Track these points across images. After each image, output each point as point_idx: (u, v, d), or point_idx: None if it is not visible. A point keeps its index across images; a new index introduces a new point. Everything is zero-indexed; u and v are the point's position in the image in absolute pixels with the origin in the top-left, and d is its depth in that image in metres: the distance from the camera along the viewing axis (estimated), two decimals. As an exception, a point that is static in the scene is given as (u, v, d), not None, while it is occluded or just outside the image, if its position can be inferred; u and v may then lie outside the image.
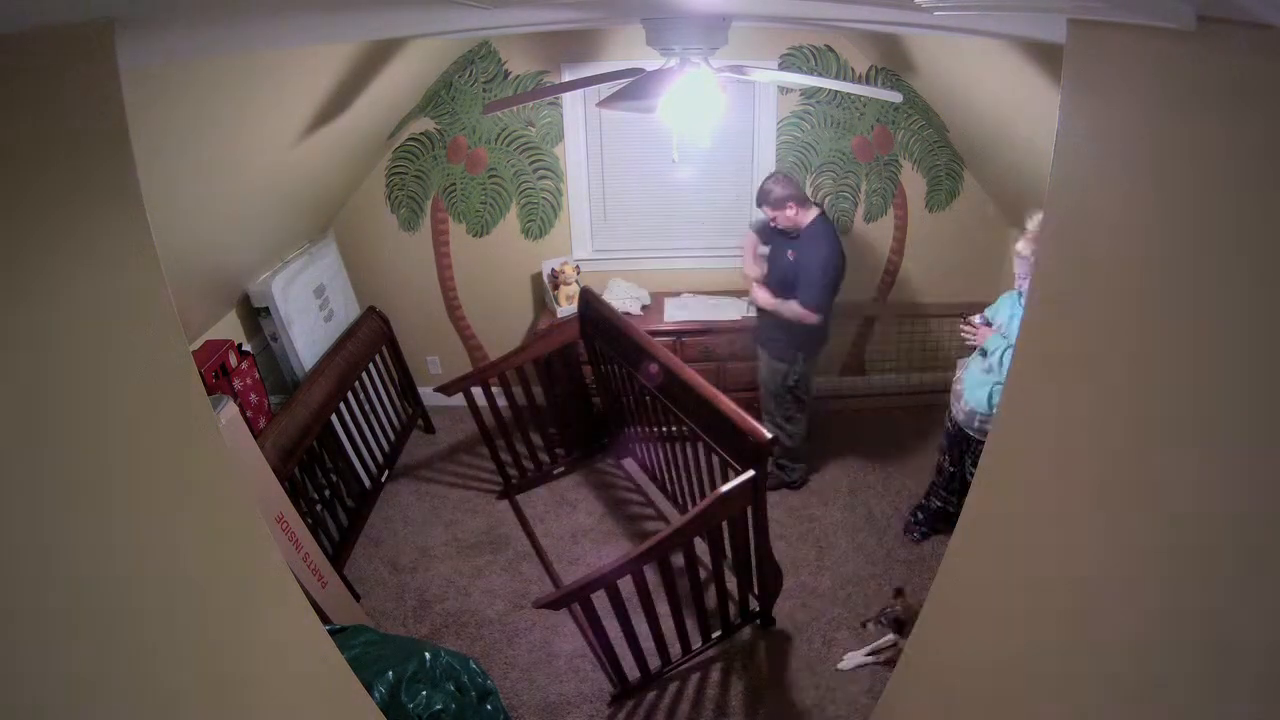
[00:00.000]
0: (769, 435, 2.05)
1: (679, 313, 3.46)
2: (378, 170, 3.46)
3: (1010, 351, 2.30)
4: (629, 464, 3.41)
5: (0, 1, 0.61)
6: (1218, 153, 0.67)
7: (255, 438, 2.24)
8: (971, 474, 2.44)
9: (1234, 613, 0.63)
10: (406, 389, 3.76)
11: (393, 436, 3.52)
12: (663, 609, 2.22)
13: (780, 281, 2.86)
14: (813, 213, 2.81)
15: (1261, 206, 0.61)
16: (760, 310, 2.95)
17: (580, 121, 3.37)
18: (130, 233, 0.87)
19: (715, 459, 2.38)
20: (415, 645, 1.97)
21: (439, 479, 3.44)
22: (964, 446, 2.55)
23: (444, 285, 3.76)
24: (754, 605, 2.49)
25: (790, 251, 2.83)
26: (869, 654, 2.37)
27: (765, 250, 3.04)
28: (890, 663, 2.27)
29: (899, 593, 2.38)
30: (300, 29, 1.38)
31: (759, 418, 2.29)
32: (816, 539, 2.96)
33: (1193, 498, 0.69)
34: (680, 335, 3.21)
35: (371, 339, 3.46)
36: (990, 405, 2.31)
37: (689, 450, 2.65)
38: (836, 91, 3.29)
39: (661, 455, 2.95)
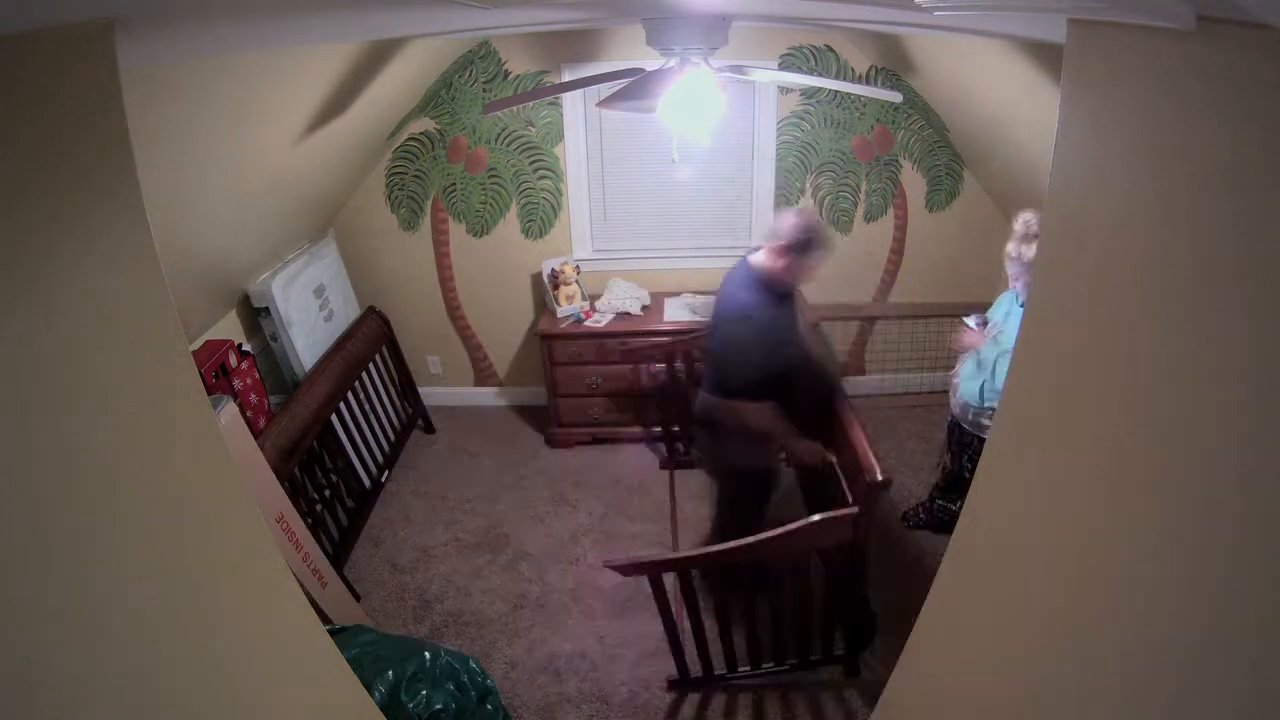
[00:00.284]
0: (880, 477, 1.90)
1: (679, 313, 3.46)
2: (378, 170, 3.46)
3: (1006, 358, 2.31)
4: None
5: (0, 2, 0.61)
6: (1218, 152, 0.67)
7: (255, 438, 2.24)
8: (968, 471, 2.44)
9: (1234, 613, 0.63)
10: (406, 388, 3.76)
11: (393, 436, 3.52)
12: (739, 618, 2.17)
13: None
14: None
15: (1262, 206, 0.61)
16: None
17: (580, 121, 3.38)
18: (130, 233, 0.87)
19: (835, 485, 2.26)
20: (415, 645, 1.97)
21: (439, 479, 3.44)
22: (962, 443, 2.55)
23: (444, 285, 3.76)
24: (839, 648, 2.33)
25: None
26: None
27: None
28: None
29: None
30: (300, 29, 1.38)
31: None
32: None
33: (1193, 498, 0.69)
34: (680, 335, 3.21)
35: (372, 339, 3.46)
36: (982, 399, 2.31)
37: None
38: (836, 91, 3.29)
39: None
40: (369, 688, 1.42)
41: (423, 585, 2.79)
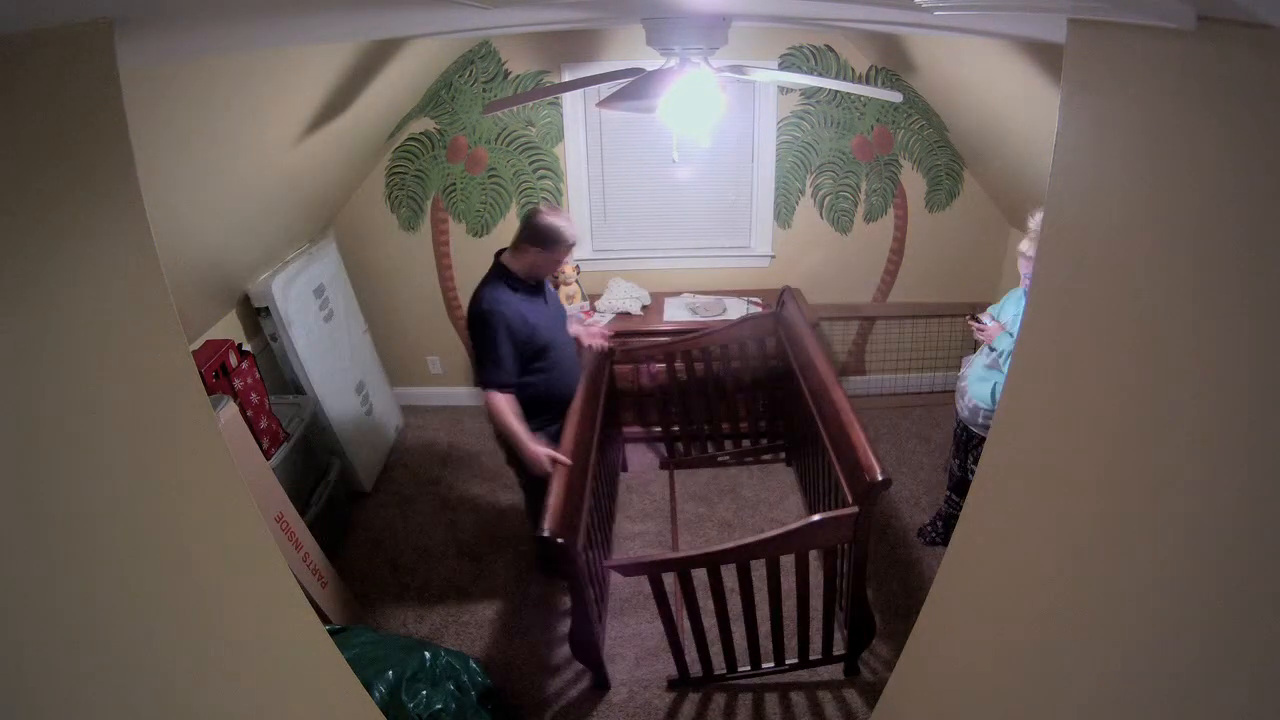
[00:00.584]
0: (880, 477, 1.89)
1: (679, 313, 3.46)
2: (378, 170, 3.46)
3: (989, 385, 2.32)
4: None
5: (0, 2, 0.61)
6: (1218, 152, 0.67)
7: (255, 438, 2.24)
8: (973, 474, 2.44)
9: (1235, 612, 0.63)
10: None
11: (393, 436, 3.52)
12: (738, 618, 2.15)
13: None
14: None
15: (1262, 206, 0.61)
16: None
17: (580, 121, 3.38)
18: (130, 233, 0.87)
19: (835, 485, 2.25)
20: (415, 645, 1.97)
21: (439, 478, 3.44)
22: (968, 446, 2.55)
23: (444, 285, 3.76)
24: (839, 648, 2.33)
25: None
26: None
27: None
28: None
29: None
30: (300, 29, 1.38)
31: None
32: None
33: (1194, 498, 0.69)
34: (680, 335, 3.21)
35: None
36: (993, 401, 2.31)
37: (819, 464, 2.53)
38: (836, 91, 3.29)
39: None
40: (369, 688, 1.42)
41: (423, 585, 2.79)
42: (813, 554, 2.12)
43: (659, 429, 3.44)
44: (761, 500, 3.19)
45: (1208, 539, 0.67)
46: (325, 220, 3.43)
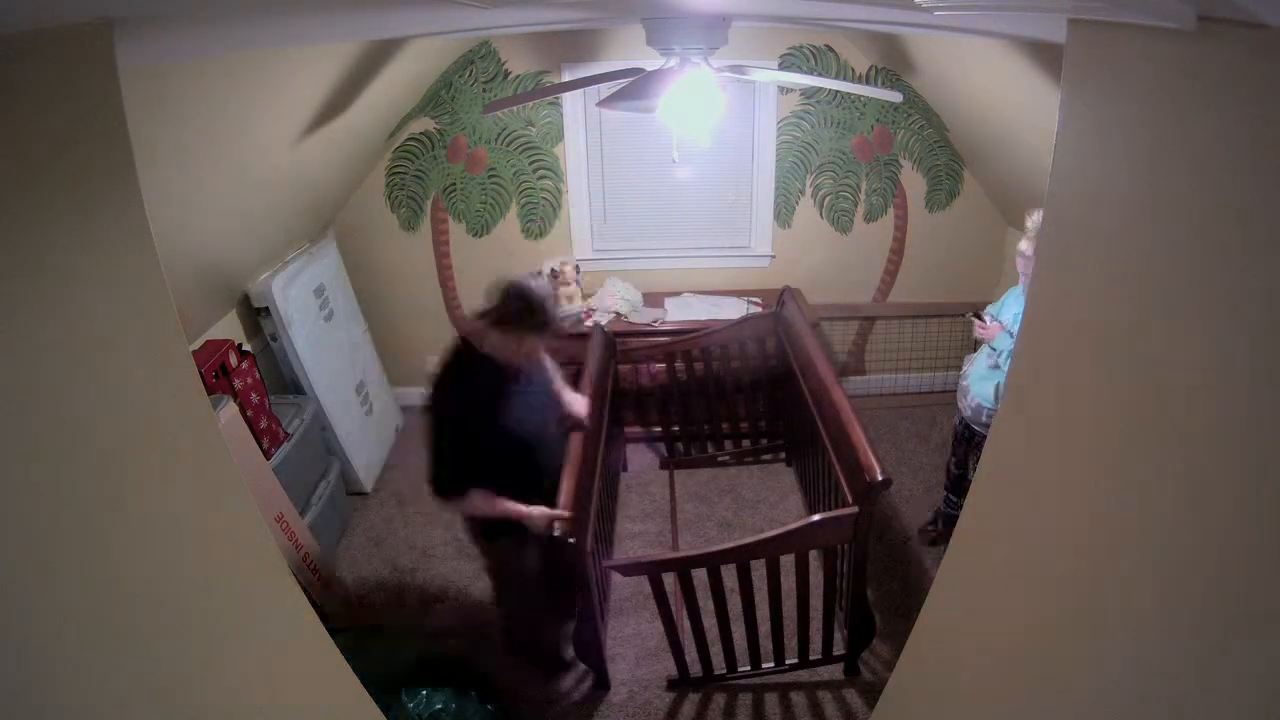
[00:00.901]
0: (880, 476, 1.88)
1: (679, 312, 3.46)
2: (378, 170, 3.46)
3: (992, 383, 2.32)
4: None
5: (0, 2, 0.61)
6: (1218, 152, 0.67)
7: (255, 438, 2.24)
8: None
9: (1237, 611, 0.63)
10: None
11: (393, 436, 3.52)
12: (738, 618, 2.15)
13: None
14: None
15: (1262, 205, 0.61)
16: None
17: (580, 121, 3.38)
18: (130, 233, 0.87)
19: (835, 485, 2.24)
20: (415, 645, 1.97)
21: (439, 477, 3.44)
22: (969, 445, 2.55)
23: (444, 285, 3.76)
24: (839, 648, 2.33)
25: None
26: None
27: None
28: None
29: None
30: (300, 29, 1.38)
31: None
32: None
33: (1194, 497, 0.69)
34: (680, 335, 3.21)
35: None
36: (996, 400, 2.31)
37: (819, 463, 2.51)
38: (836, 91, 3.29)
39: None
40: (369, 688, 1.42)
41: (423, 585, 2.79)
42: (812, 554, 2.13)
43: (659, 429, 3.44)
44: (761, 500, 3.19)
45: (1208, 539, 0.67)
46: (325, 220, 3.42)
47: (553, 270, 3.52)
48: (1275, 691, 0.58)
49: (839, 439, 2.18)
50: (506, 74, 3.25)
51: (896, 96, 1.96)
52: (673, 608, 2.11)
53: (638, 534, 3.03)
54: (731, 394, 3.29)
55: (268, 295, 2.78)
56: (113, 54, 0.80)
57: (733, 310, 3.43)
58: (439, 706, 1.84)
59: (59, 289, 0.76)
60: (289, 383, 2.97)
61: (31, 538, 0.69)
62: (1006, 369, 2.27)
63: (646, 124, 3.13)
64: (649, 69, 1.75)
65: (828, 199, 3.57)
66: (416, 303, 3.78)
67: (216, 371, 2.38)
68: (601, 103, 1.82)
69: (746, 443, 3.45)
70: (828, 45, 3.21)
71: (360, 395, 3.36)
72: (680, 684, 2.31)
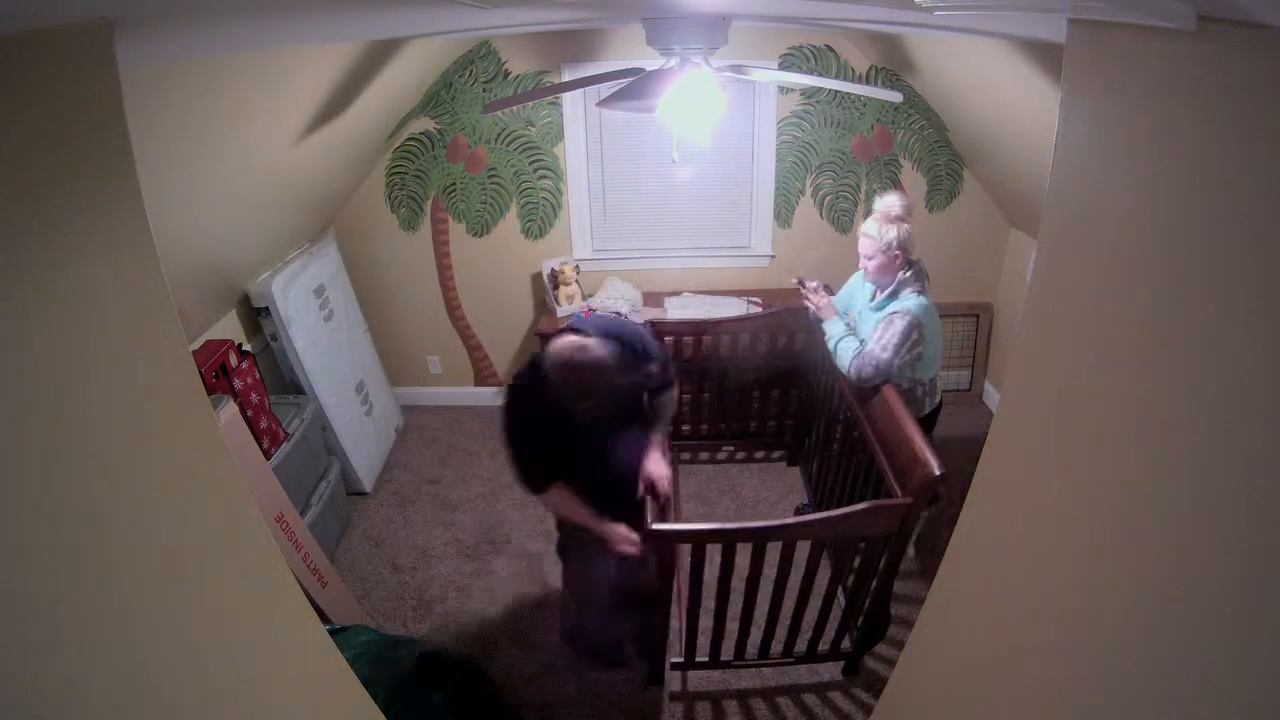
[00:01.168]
0: (938, 470, 1.83)
1: (679, 312, 3.46)
2: (378, 170, 3.46)
3: (845, 342, 2.31)
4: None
5: (0, 2, 0.61)
6: (1218, 152, 0.67)
7: (255, 438, 2.24)
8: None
9: (1238, 613, 0.63)
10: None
11: (393, 436, 3.53)
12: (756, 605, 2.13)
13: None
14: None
15: (1263, 205, 0.61)
16: None
17: (580, 121, 3.38)
18: (130, 233, 0.87)
19: (874, 482, 2.21)
20: (415, 645, 1.97)
21: (439, 479, 3.44)
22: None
23: (444, 285, 3.76)
24: (847, 644, 2.33)
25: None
26: None
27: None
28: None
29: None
30: (300, 29, 1.38)
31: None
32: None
33: (1195, 498, 0.69)
34: (680, 335, 3.21)
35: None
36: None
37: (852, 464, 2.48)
38: (836, 91, 3.29)
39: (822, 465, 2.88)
40: (369, 688, 1.42)
41: (423, 585, 2.79)
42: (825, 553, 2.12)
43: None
44: (761, 500, 3.19)
45: (1209, 539, 0.67)
46: (325, 220, 3.43)
47: (553, 270, 3.52)
48: (1277, 693, 0.58)
49: (888, 434, 2.17)
50: (506, 74, 3.25)
51: (896, 96, 1.96)
52: (676, 587, 2.09)
53: (638, 534, 3.03)
54: (733, 392, 3.29)
55: (268, 295, 2.78)
56: (113, 54, 0.80)
57: (733, 310, 3.43)
58: (439, 706, 1.84)
59: (59, 289, 0.76)
60: (289, 383, 2.97)
61: (31, 538, 0.69)
62: (836, 351, 2.33)
63: (646, 124, 3.13)
64: (649, 69, 1.75)
65: (828, 199, 3.57)
66: (416, 303, 3.78)
67: (216, 371, 2.38)
68: (601, 103, 1.82)
69: (743, 442, 3.44)
70: (828, 45, 3.21)
71: (360, 395, 3.36)
72: (683, 665, 2.30)
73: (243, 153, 2.17)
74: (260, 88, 1.95)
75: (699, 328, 3.16)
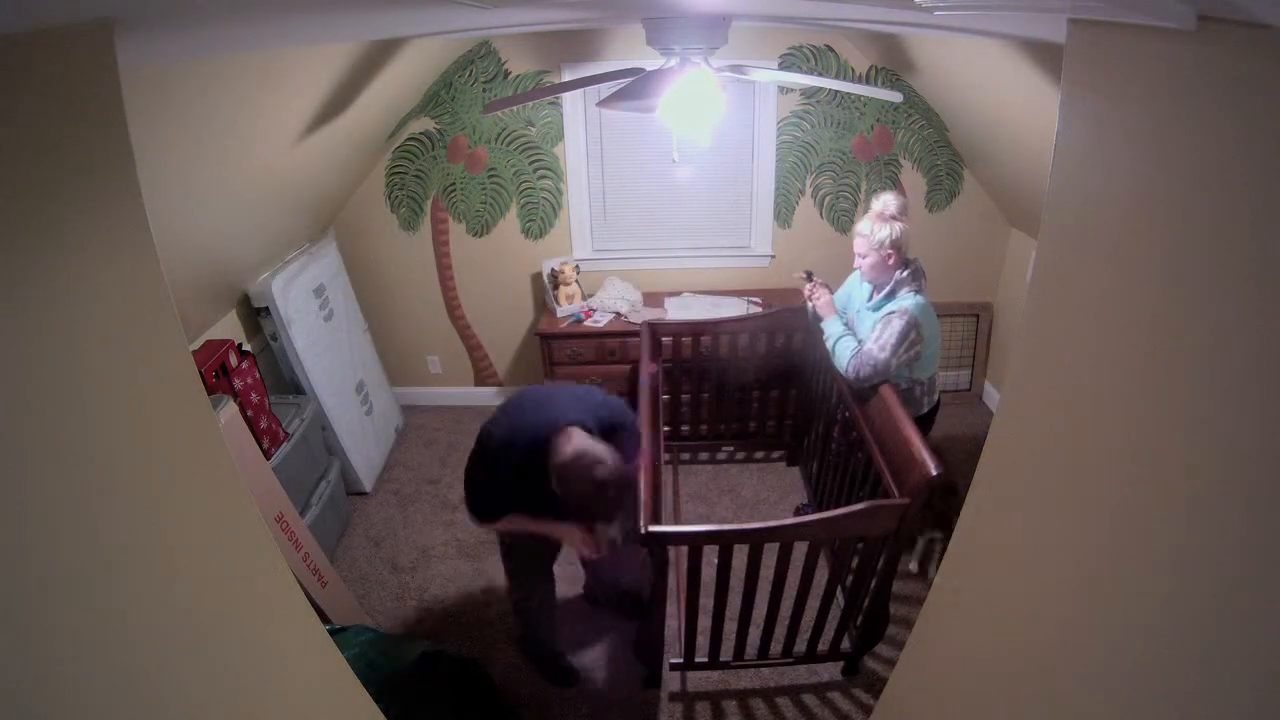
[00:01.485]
0: (935, 471, 1.84)
1: (679, 313, 3.46)
2: (378, 170, 3.46)
3: (843, 341, 2.33)
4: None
5: (0, 2, 0.61)
6: (1218, 153, 0.67)
7: (255, 438, 2.24)
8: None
9: (1238, 613, 0.63)
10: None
11: (393, 436, 3.52)
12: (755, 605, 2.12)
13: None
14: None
15: (1263, 205, 0.61)
16: None
17: (580, 121, 3.38)
18: (131, 233, 0.87)
19: (872, 482, 2.22)
20: (415, 645, 1.97)
21: (439, 478, 3.44)
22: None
23: (444, 285, 3.76)
24: (846, 645, 2.33)
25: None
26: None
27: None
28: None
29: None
30: (300, 29, 1.38)
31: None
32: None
33: (1195, 499, 0.69)
34: (680, 335, 3.21)
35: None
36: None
37: (848, 464, 2.48)
38: (836, 91, 3.29)
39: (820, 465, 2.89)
40: (369, 687, 1.42)
41: (422, 585, 2.79)
42: (822, 553, 2.12)
43: (666, 427, 3.44)
44: (761, 500, 3.19)
45: (1209, 538, 0.67)
46: (325, 220, 3.43)
47: (553, 270, 3.52)
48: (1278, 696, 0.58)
49: (886, 434, 2.17)
50: (506, 74, 3.25)
51: (896, 96, 1.96)
52: (673, 585, 2.08)
53: (638, 534, 3.03)
54: (733, 392, 3.29)
55: (268, 295, 2.78)
56: (113, 54, 0.80)
57: (733, 310, 3.43)
58: (439, 706, 1.84)
59: (59, 289, 0.76)
60: (289, 383, 2.97)
61: (30, 537, 0.69)
62: (834, 349, 2.35)
63: (646, 124, 3.13)
64: (649, 69, 1.75)
65: (828, 199, 3.57)
66: (416, 303, 3.78)
67: (216, 371, 2.38)
68: (601, 103, 1.82)
69: (743, 442, 3.44)
70: (828, 45, 3.21)
71: (360, 395, 3.36)
72: (682, 666, 2.29)
73: (243, 153, 2.17)
74: (260, 88, 1.95)
75: (699, 328, 3.16)
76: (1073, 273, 0.94)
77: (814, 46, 3.21)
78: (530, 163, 3.45)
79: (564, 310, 3.48)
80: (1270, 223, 0.59)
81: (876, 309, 2.29)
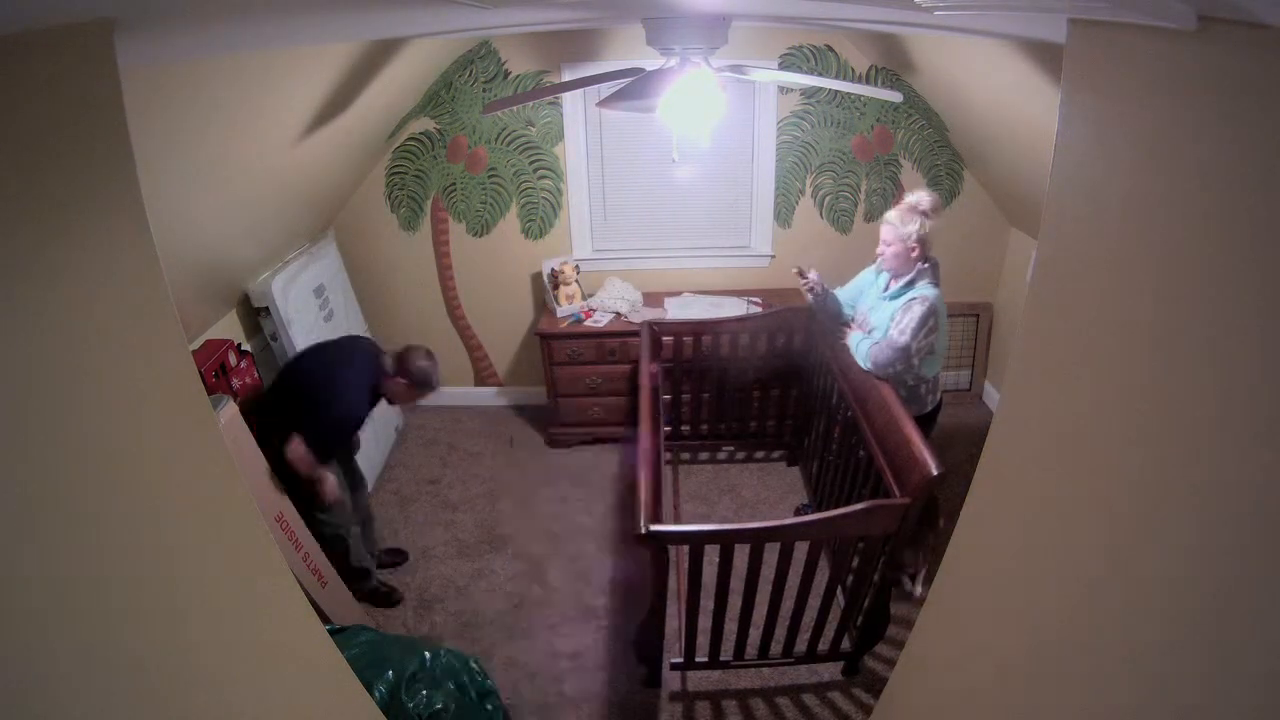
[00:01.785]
0: (935, 470, 1.83)
1: (679, 313, 3.46)
2: (378, 170, 3.46)
3: (863, 341, 2.36)
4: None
5: (0, 2, 0.61)
6: (1218, 152, 0.67)
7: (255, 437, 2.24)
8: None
9: (1238, 612, 0.63)
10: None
11: (393, 436, 3.52)
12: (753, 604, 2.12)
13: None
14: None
15: (1263, 205, 0.61)
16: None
17: (580, 121, 3.38)
18: (131, 233, 0.87)
19: (872, 482, 2.21)
20: (415, 645, 1.97)
21: (439, 478, 3.44)
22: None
23: (444, 285, 3.76)
24: (846, 645, 2.32)
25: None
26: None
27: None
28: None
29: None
30: (300, 29, 1.38)
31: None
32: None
33: (1195, 499, 0.69)
34: (680, 335, 3.21)
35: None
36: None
37: (850, 464, 2.48)
38: (836, 91, 3.29)
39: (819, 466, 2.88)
40: (369, 687, 1.42)
41: (423, 585, 2.79)
42: (823, 553, 2.11)
43: (667, 427, 3.44)
44: (762, 500, 3.19)
45: (1209, 538, 0.67)
46: (325, 220, 3.43)
47: (553, 270, 3.52)
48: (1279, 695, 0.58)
49: (887, 434, 2.17)
50: (506, 74, 3.25)
51: (896, 96, 1.96)
52: (672, 584, 2.08)
53: (638, 534, 3.03)
54: (733, 392, 3.29)
55: (268, 295, 2.78)
56: (113, 54, 0.80)
57: (733, 310, 3.43)
58: (439, 706, 1.84)
59: (59, 289, 0.76)
60: (289, 383, 2.97)
61: (30, 537, 0.69)
62: (858, 350, 2.38)
63: (646, 124, 3.13)
64: (649, 69, 1.75)
65: (828, 199, 3.57)
66: (416, 302, 3.78)
67: (216, 371, 2.38)
68: (601, 103, 1.82)
69: (742, 441, 3.44)
70: (828, 45, 3.21)
71: (360, 395, 3.35)
72: (682, 666, 2.29)
73: (243, 153, 2.17)
74: (260, 88, 1.95)
75: (699, 328, 3.16)
76: (1073, 272, 0.94)
77: (814, 46, 3.21)
78: (530, 163, 3.45)
79: (564, 310, 3.48)
80: (1270, 222, 0.59)
81: (895, 297, 2.31)
